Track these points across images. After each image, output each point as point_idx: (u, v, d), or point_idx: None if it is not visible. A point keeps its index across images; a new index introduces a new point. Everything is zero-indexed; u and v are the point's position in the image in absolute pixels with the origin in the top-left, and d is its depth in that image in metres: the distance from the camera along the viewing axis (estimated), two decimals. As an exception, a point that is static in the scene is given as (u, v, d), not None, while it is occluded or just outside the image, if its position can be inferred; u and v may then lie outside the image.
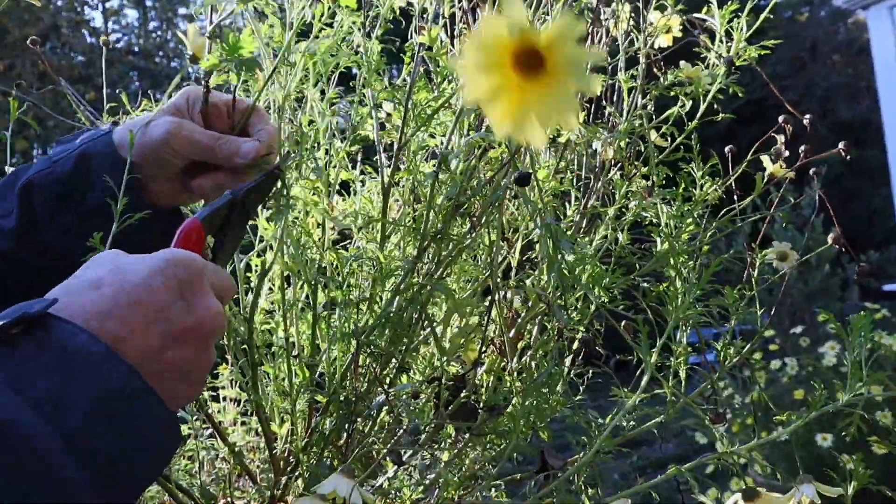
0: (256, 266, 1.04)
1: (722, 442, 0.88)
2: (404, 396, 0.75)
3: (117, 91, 1.20)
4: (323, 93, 0.91)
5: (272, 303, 0.97)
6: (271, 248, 1.09)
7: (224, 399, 1.09)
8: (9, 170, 0.87)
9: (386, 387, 0.73)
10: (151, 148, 0.74)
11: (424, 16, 0.93)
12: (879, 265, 6.10)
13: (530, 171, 0.68)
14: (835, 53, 11.43)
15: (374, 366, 0.75)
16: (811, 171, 1.12)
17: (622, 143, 0.91)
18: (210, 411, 0.97)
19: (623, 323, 1.03)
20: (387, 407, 0.80)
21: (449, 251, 0.75)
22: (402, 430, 0.74)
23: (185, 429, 1.01)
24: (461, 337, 0.71)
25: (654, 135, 0.97)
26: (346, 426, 0.76)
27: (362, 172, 1.00)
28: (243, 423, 1.07)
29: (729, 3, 0.96)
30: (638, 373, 0.90)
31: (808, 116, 1.08)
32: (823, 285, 5.24)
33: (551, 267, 0.64)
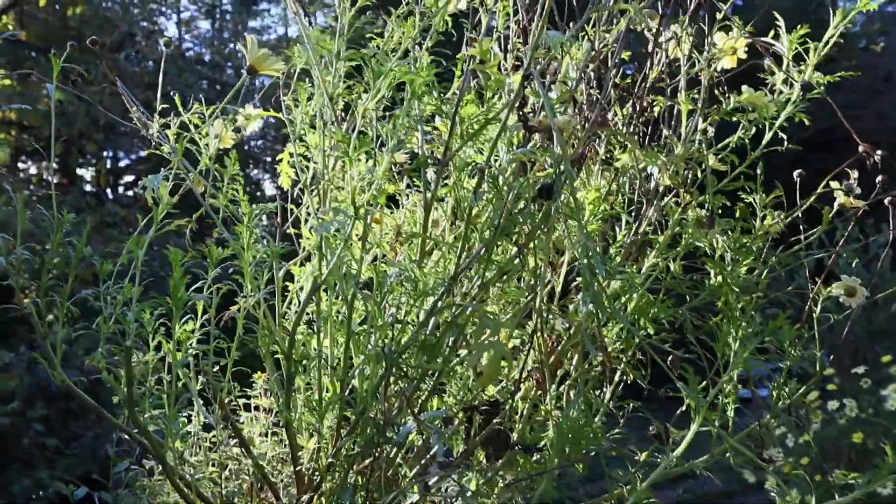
0: (299, 276, 1.03)
1: (775, 483, 0.82)
2: (436, 422, 0.72)
3: (187, 98, 1.21)
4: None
5: (309, 313, 0.95)
6: (308, 259, 1.07)
7: (257, 409, 1.08)
8: (81, 172, 0.88)
9: (416, 411, 0.70)
10: None
11: (477, 28, 0.91)
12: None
13: (552, 183, 0.64)
14: (882, 87, 11.02)
15: (406, 388, 0.72)
16: (887, 202, 1.05)
17: (679, 169, 0.86)
18: (239, 421, 0.96)
19: (670, 358, 0.97)
20: (415, 432, 0.77)
21: (492, 274, 0.71)
22: (430, 456, 0.70)
23: (209, 437, 0.99)
24: (497, 363, 0.67)
25: (712, 159, 0.92)
26: (373, 450, 0.73)
27: (408, 186, 0.98)
28: (274, 434, 1.05)
29: (799, 27, 0.91)
30: (682, 409, 0.85)
31: (880, 151, 1.02)
32: (889, 325, 4.99)
33: (587, 294, 0.61)
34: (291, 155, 1.15)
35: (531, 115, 0.72)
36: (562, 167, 0.63)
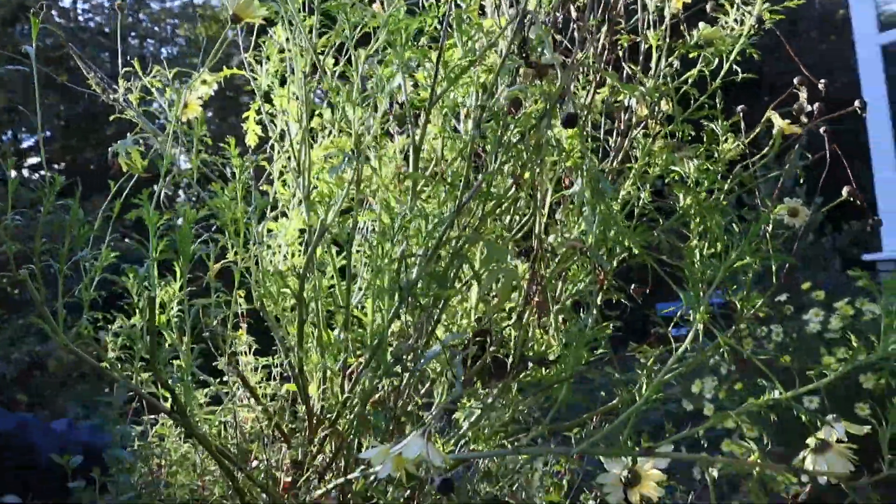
0: (275, 230, 1.05)
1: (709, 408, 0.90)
2: (452, 348, 0.77)
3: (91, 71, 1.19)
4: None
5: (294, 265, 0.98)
6: (284, 214, 1.10)
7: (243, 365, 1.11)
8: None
9: (425, 342, 0.75)
10: None
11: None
12: (859, 235, 6.20)
13: (576, 111, 0.69)
14: (812, 30, 11.51)
15: (421, 318, 0.76)
16: (821, 130, 1.15)
17: (651, 101, 0.92)
18: (243, 374, 0.99)
19: (633, 287, 1.05)
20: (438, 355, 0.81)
21: (491, 205, 0.76)
22: (451, 375, 0.75)
23: (216, 388, 1.02)
24: (509, 286, 0.73)
25: (672, 95, 0.98)
26: (392, 380, 0.77)
27: (387, 133, 1.01)
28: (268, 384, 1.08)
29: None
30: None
31: (822, 81, 1.11)
32: (807, 254, 5.31)
33: (593, 209, 0.66)
34: (258, 112, 1.16)
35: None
36: (566, 99, 0.68)
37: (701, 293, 0.76)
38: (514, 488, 1.04)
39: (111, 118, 1.21)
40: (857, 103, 1.03)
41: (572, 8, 1.00)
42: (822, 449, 0.70)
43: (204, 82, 1.22)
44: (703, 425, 0.76)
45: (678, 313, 1.12)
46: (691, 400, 4.35)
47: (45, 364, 5.44)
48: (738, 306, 1.01)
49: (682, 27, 0.95)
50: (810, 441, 0.73)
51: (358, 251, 0.92)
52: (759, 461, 0.72)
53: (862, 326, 3.94)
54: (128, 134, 1.19)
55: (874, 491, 0.70)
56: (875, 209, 5.65)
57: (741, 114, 1.10)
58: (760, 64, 1.18)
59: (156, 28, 13.04)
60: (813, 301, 4.21)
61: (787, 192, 5.51)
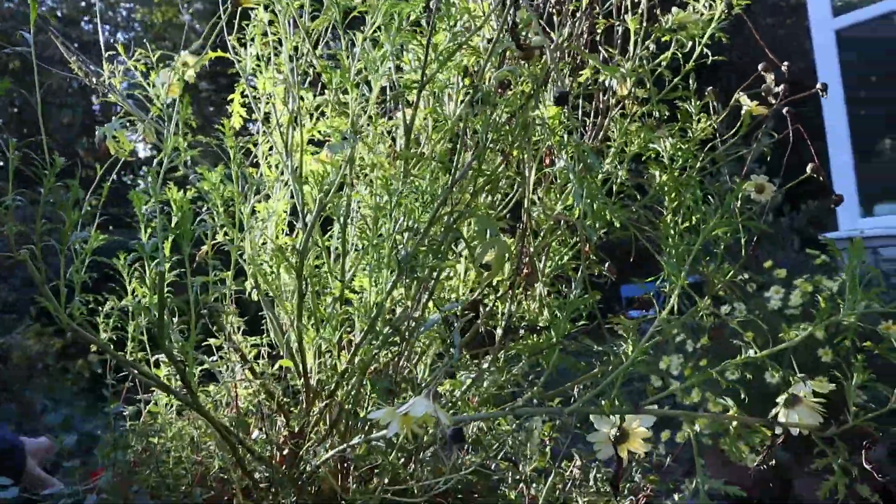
0: (261, 211, 1.08)
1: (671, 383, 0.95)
2: (450, 318, 0.80)
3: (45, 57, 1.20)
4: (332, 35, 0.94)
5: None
6: (268, 196, 1.12)
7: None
8: None
9: (428, 309, 0.79)
10: None
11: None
12: (817, 215, 6.40)
13: (567, 91, 0.73)
14: (769, 16, 11.73)
15: (418, 290, 0.80)
16: (785, 111, 1.21)
17: (631, 80, 0.97)
18: (240, 349, 1.01)
19: (607, 265, 1.10)
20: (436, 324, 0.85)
21: (482, 181, 0.80)
22: (450, 342, 0.79)
23: (211, 366, 1.04)
24: (502, 257, 0.77)
25: (648, 77, 1.03)
26: (391, 350, 0.81)
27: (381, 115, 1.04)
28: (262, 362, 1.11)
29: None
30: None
31: (786, 63, 1.17)
32: (767, 233, 5.47)
33: (581, 182, 0.70)
34: (243, 94, 1.18)
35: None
36: (554, 79, 0.72)
37: (682, 262, 0.81)
38: (502, 456, 1.09)
39: (97, 100, 1.21)
40: (819, 85, 1.08)
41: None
42: (793, 403, 0.76)
43: (185, 64, 1.23)
44: (682, 384, 0.81)
45: (642, 294, 1.17)
46: (659, 376, 4.47)
47: (8, 356, 5.34)
48: (710, 278, 1.07)
49: (657, 11, 1.00)
50: (781, 398, 0.79)
51: (347, 228, 0.95)
52: (737, 415, 0.77)
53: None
54: (98, 128, 1.20)
55: (842, 441, 0.76)
56: (832, 188, 5.83)
57: (712, 95, 1.15)
58: (722, 48, 1.23)
59: (110, 13, 12.71)
60: (774, 279, 4.35)
61: (750, 172, 5.65)
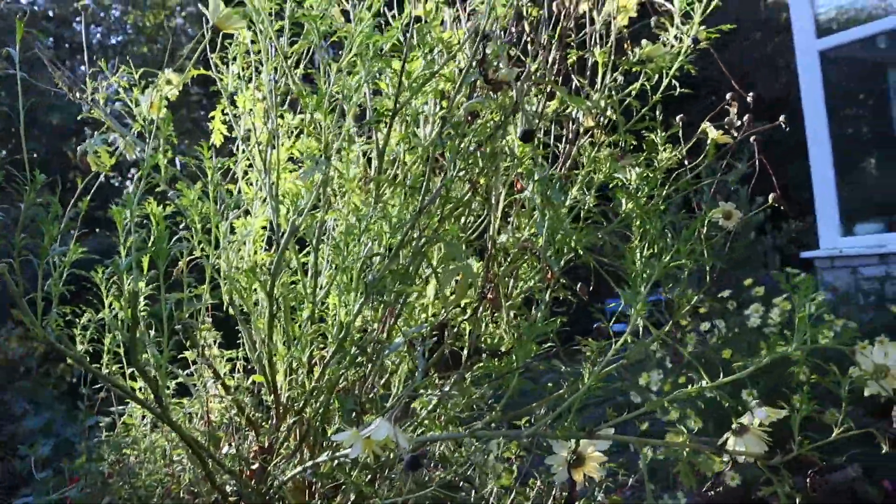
0: (239, 228, 1.10)
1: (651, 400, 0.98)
2: (416, 341, 0.83)
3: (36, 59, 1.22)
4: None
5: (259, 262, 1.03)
6: (247, 213, 1.14)
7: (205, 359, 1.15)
8: None
9: (387, 336, 0.81)
10: None
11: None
12: (799, 234, 6.47)
13: (533, 128, 0.76)
14: (756, 31, 11.86)
15: (385, 312, 0.82)
16: (752, 139, 1.25)
17: (598, 112, 1.00)
18: (213, 364, 1.03)
19: (578, 286, 1.13)
20: (387, 354, 0.88)
21: (450, 207, 0.83)
22: (415, 364, 0.81)
23: (185, 380, 1.06)
24: (466, 281, 0.79)
25: (616, 108, 1.06)
26: (358, 370, 0.83)
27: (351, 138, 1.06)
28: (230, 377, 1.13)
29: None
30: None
31: (751, 94, 1.20)
32: (748, 253, 5.53)
33: (543, 217, 0.73)
34: (224, 113, 1.20)
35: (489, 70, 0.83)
36: (520, 114, 0.75)
37: (639, 290, 0.84)
38: (467, 474, 1.12)
39: (79, 117, 1.23)
40: (781, 118, 1.12)
41: (526, 24, 1.07)
42: (741, 432, 0.79)
43: (168, 82, 1.26)
44: (637, 412, 0.84)
45: (619, 310, 1.20)
46: (639, 392, 4.51)
47: (-12, 359, 5.31)
48: (675, 303, 1.10)
49: (626, 45, 1.03)
50: (734, 425, 0.82)
51: (319, 249, 0.98)
52: (686, 442, 0.80)
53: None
54: (88, 130, 1.22)
55: (787, 469, 0.79)
56: (813, 207, 5.90)
57: (680, 123, 1.19)
58: (705, 66, 1.27)
59: (102, 14, 12.67)
60: (754, 297, 4.40)
61: (731, 191, 5.72)
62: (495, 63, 0.86)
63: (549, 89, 0.99)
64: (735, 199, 5.47)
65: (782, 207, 1.15)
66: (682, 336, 4.18)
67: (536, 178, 0.74)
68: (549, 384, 0.99)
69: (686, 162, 1.17)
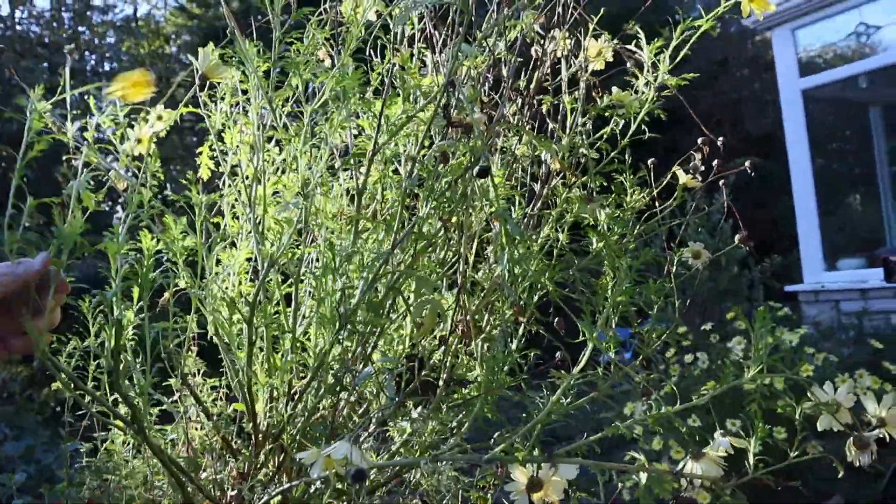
0: (224, 260, 1.14)
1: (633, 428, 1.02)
2: (385, 370, 0.87)
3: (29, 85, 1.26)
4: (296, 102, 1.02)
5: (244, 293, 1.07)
6: (233, 244, 1.19)
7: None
8: None
9: (369, 362, 0.85)
10: None
11: (395, 36, 1.05)
12: (784, 267, 6.55)
13: (489, 165, 0.80)
14: (744, 68, 12.07)
15: (359, 343, 0.86)
16: (720, 183, 1.30)
17: (565, 155, 1.05)
18: (196, 392, 1.06)
19: (556, 320, 1.17)
20: (364, 382, 0.91)
21: (422, 244, 0.87)
22: (383, 393, 0.85)
23: (169, 407, 1.09)
24: (434, 315, 0.84)
25: (587, 151, 1.12)
26: (332, 397, 0.87)
27: (332, 176, 1.11)
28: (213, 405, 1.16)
29: (655, 40, 1.11)
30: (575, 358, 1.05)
31: (721, 138, 1.26)
32: (732, 286, 5.60)
33: (506, 251, 0.78)
34: (212, 148, 1.25)
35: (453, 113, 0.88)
36: (481, 153, 0.79)
37: (606, 325, 0.88)
38: (443, 502, 1.15)
39: (64, 158, 1.27)
40: (747, 163, 1.18)
41: (503, 69, 1.13)
42: (698, 457, 0.83)
43: (159, 118, 1.30)
44: (599, 434, 0.88)
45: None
46: (620, 421, 4.53)
47: (-27, 383, 5.28)
48: (645, 337, 1.15)
49: (595, 91, 1.09)
50: (691, 451, 0.86)
51: (302, 281, 1.02)
52: (644, 465, 0.84)
53: (782, 353, 4.20)
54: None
55: (744, 492, 0.83)
56: (796, 241, 6.00)
57: (652, 166, 1.25)
58: (694, 99, 1.32)
59: (97, 41, 12.79)
60: (737, 330, 4.45)
61: (714, 225, 5.80)
62: (469, 107, 0.91)
63: (520, 133, 1.04)
64: (719, 233, 5.56)
65: (748, 248, 1.21)
66: (667, 368, 4.22)
67: (499, 215, 0.79)
68: (524, 415, 1.03)
69: (657, 203, 1.22)
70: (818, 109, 6.48)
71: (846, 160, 7.56)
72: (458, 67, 0.96)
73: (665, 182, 1.22)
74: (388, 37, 1.09)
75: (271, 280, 1.02)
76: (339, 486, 0.81)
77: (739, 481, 0.81)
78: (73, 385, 0.91)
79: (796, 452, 0.91)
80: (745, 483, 0.82)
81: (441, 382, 0.99)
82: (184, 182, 1.13)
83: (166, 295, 1.17)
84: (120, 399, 0.92)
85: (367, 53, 1.13)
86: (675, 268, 1.22)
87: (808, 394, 0.92)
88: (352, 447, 0.66)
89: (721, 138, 1.30)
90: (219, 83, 1.22)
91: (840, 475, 0.98)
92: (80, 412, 1.17)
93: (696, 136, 1.26)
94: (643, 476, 0.82)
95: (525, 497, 0.78)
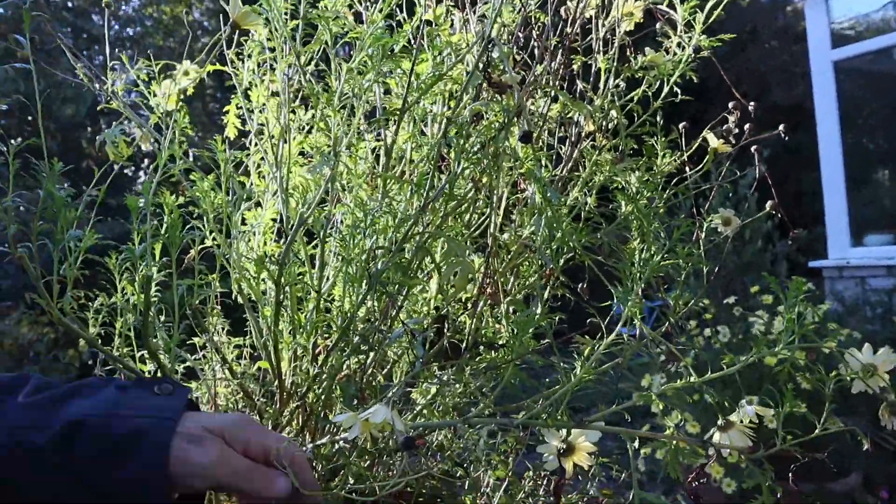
0: (250, 219, 1.13)
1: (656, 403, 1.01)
2: (413, 331, 0.86)
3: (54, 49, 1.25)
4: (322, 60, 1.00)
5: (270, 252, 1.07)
6: (258, 204, 1.18)
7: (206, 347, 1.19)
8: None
9: (397, 322, 0.85)
10: (192, 471, 0.66)
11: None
12: (808, 243, 6.47)
13: (531, 129, 0.79)
14: (773, 39, 11.82)
15: (386, 304, 0.86)
16: (752, 149, 1.27)
17: (596, 117, 1.03)
18: (221, 349, 1.07)
19: (580, 285, 1.16)
20: (389, 342, 0.91)
21: (453, 205, 0.86)
22: (414, 354, 0.85)
23: (193, 364, 1.10)
24: (465, 276, 0.83)
25: (618, 113, 1.09)
26: (359, 358, 0.87)
27: (360, 135, 1.10)
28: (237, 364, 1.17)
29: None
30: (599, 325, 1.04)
31: (752, 103, 1.23)
32: (755, 260, 5.55)
33: (542, 215, 0.76)
34: (238, 107, 1.24)
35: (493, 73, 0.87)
36: (523, 116, 0.78)
37: (632, 290, 0.87)
38: (464, 465, 1.15)
39: (99, 108, 1.27)
40: (780, 127, 1.15)
41: (533, 29, 1.10)
42: (726, 427, 0.82)
43: (186, 74, 1.30)
44: (627, 403, 0.87)
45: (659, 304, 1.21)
46: (639, 392, 4.54)
47: (0, 344, 5.38)
48: (672, 305, 1.13)
49: (628, 51, 1.06)
50: (719, 421, 0.85)
51: (326, 242, 1.01)
52: (673, 435, 0.83)
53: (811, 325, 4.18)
54: (102, 122, 1.26)
55: (770, 464, 0.82)
56: (819, 217, 5.91)
57: (683, 130, 1.22)
58: (721, 69, 1.29)
59: (123, 6, 12.78)
60: (760, 304, 4.41)
61: (741, 197, 5.72)
62: (501, 67, 0.89)
63: (552, 93, 1.02)
64: (744, 205, 5.48)
65: (780, 216, 1.18)
66: (689, 341, 4.20)
67: (536, 178, 0.77)
68: (547, 380, 1.03)
69: (688, 168, 1.19)
70: (849, 81, 6.33)
71: (876, 134, 7.41)
72: (492, 26, 0.93)
73: (693, 147, 1.20)
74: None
75: (296, 241, 1.02)
76: (368, 448, 0.81)
77: (767, 452, 0.80)
78: (94, 345, 0.92)
79: (819, 428, 0.89)
80: (767, 456, 0.81)
81: (465, 345, 0.99)
82: (208, 146, 1.12)
83: (192, 252, 1.17)
84: (147, 356, 0.92)
85: (393, 12, 1.11)
86: (703, 234, 1.20)
87: (842, 362, 0.91)
88: (390, 411, 0.66)
89: (752, 103, 1.27)
90: (245, 41, 1.21)
91: (865, 447, 0.97)
92: (110, 368, 1.18)
93: (720, 109, 1.23)
94: (666, 447, 0.81)
95: (555, 459, 0.78)
